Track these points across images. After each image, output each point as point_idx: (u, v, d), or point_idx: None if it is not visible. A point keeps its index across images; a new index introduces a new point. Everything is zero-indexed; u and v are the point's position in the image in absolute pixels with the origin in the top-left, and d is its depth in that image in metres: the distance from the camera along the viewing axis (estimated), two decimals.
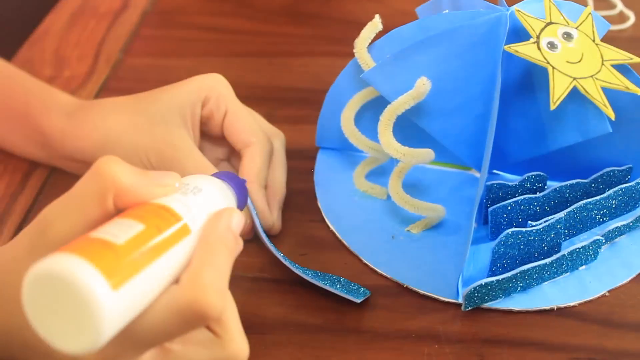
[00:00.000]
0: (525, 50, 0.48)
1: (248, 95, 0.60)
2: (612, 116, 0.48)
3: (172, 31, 0.81)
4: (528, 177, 0.56)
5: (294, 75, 0.73)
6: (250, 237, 0.55)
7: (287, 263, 0.51)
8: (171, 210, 0.37)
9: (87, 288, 0.31)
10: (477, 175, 0.61)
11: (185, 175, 0.52)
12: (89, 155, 0.56)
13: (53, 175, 0.62)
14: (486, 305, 0.51)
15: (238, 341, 0.39)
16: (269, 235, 0.53)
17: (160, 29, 0.81)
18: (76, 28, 0.81)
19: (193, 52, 0.77)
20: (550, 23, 0.50)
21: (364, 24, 0.78)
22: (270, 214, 0.55)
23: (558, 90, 0.47)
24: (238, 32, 0.80)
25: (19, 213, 0.59)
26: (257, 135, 0.56)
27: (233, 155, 0.60)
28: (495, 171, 0.60)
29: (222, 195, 0.42)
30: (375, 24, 0.55)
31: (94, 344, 0.32)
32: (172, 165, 0.53)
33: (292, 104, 0.69)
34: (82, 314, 0.31)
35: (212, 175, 0.44)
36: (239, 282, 0.52)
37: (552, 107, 0.47)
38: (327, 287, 0.50)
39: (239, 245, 0.39)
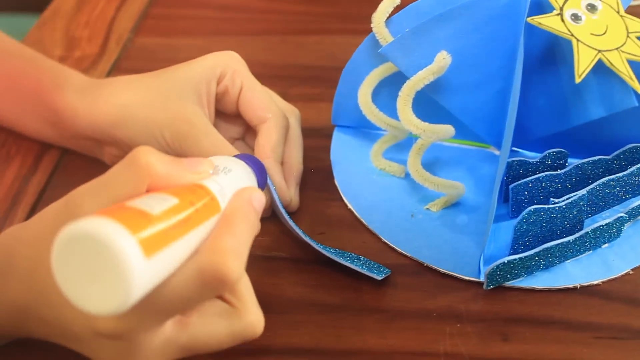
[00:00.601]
0: (548, 22, 0.47)
1: (262, 74, 0.59)
2: (639, 89, 0.47)
3: (182, 10, 0.80)
4: (549, 153, 0.55)
5: (308, 53, 0.72)
6: (269, 215, 0.54)
7: (307, 239, 0.50)
8: (205, 187, 0.38)
9: (122, 252, 0.31)
10: (496, 152, 0.60)
11: (202, 151, 0.51)
12: (102, 132, 0.55)
13: (65, 157, 0.61)
14: (508, 283, 0.50)
15: (254, 311, 0.39)
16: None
17: (171, 8, 0.80)
18: (86, 8, 0.80)
19: (204, 31, 0.76)
20: None
21: (377, 1, 0.77)
22: (287, 190, 0.54)
23: (583, 63, 0.46)
24: (250, 10, 0.79)
25: (32, 194, 0.58)
26: (272, 110, 0.55)
27: (248, 133, 0.59)
28: (514, 148, 0.59)
29: (247, 176, 0.43)
30: None
31: (121, 306, 0.32)
32: (187, 142, 0.52)
33: (307, 82, 0.68)
34: (113, 277, 0.31)
35: (234, 157, 0.45)
36: (256, 261, 0.51)
37: (577, 80, 0.46)
38: (348, 264, 0.49)
39: (259, 223, 0.40)
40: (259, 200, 0.40)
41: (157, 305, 0.36)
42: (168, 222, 0.34)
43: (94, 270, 0.32)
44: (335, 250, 0.51)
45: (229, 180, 0.40)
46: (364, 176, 0.58)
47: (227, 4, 0.80)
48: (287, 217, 0.50)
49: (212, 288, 0.36)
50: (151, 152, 0.37)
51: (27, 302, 0.39)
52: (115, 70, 0.71)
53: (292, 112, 0.58)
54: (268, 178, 0.52)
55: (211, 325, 0.38)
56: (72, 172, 0.60)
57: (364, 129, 0.61)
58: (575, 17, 0.48)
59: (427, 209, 0.55)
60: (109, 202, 0.36)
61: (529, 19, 0.47)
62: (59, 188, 0.58)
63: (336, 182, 0.57)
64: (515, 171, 0.54)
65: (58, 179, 0.60)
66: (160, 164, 0.37)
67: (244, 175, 0.42)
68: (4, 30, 0.66)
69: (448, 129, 0.52)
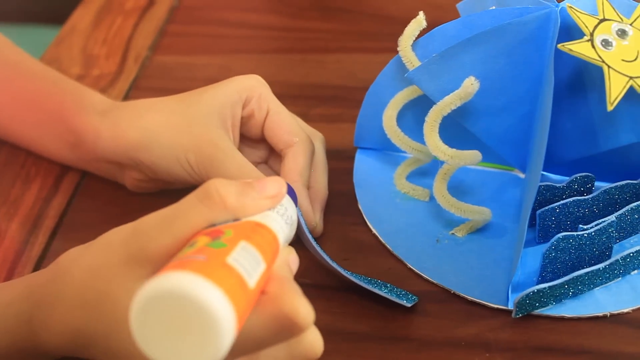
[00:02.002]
0: (579, 48, 0.47)
1: (282, 94, 0.58)
2: None
3: (200, 27, 0.80)
4: (575, 178, 0.54)
5: (328, 72, 0.72)
6: (293, 239, 0.54)
7: (333, 265, 0.49)
8: (277, 240, 0.40)
9: (223, 325, 0.32)
10: (521, 175, 0.59)
11: (227, 175, 0.51)
12: (124, 155, 0.55)
13: (86, 179, 0.61)
14: (537, 312, 0.49)
15: (311, 331, 0.39)
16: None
17: (188, 25, 0.80)
18: (103, 25, 0.80)
19: (223, 49, 0.76)
20: (604, 20, 0.48)
21: (396, 19, 0.77)
22: (313, 215, 0.54)
23: (615, 91, 0.45)
24: (268, 28, 0.79)
25: (53, 217, 0.58)
26: (299, 135, 0.55)
27: (271, 157, 0.59)
28: None
29: (292, 209, 0.44)
30: (419, 21, 0.53)
31: None
32: (212, 165, 0.52)
33: (327, 103, 0.68)
34: (206, 341, 0.32)
35: None
36: None
37: (610, 108, 0.45)
38: (376, 290, 0.48)
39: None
40: (295, 262, 0.41)
41: (233, 352, 0.36)
42: (258, 291, 0.36)
43: (182, 329, 0.32)
44: (362, 276, 0.51)
45: (286, 220, 0.42)
46: (387, 200, 0.57)
47: (245, 21, 0.80)
48: (313, 242, 0.50)
49: (289, 333, 0.37)
50: (224, 184, 0.38)
51: (93, 332, 0.39)
52: (134, 89, 0.70)
53: (317, 137, 0.58)
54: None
55: (274, 352, 0.38)
56: (93, 195, 0.60)
57: (387, 152, 0.60)
58: (606, 43, 0.47)
59: (453, 234, 0.54)
60: (181, 235, 0.37)
61: (559, 46, 0.47)
62: (80, 212, 0.58)
63: (360, 206, 0.57)
64: (542, 196, 0.54)
65: (79, 202, 0.59)
66: (233, 196, 0.38)
67: (290, 208, 0.43)
68: (20, 42, 0.66)
69: (476, 155, 0.51)
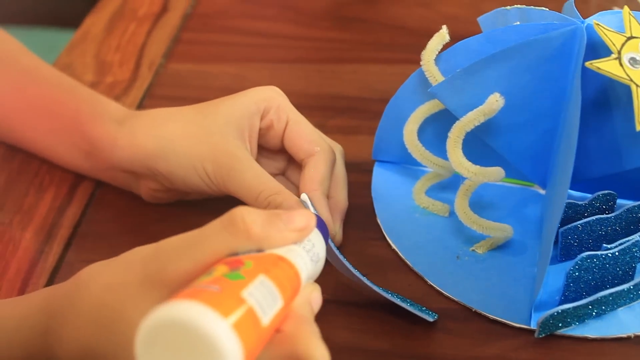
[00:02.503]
0: (607, 67, 0.46)
1: (298, 104, 0.58)
2: None
3: (214, 35, 0.79)
4: (598, 196, 0.53)
5: (344, 83, 0.71)
6: None
7: (357, 273, 0.48)
8: (299, 277, 0.38)
9: (228, 359, 0.31)
10: (540, 191, 0.59)
11: (245, 185, 0.50)
12: (140, 164, 0.54)
13: (100, 189, 0.60)
14: (559, 332, 0.49)
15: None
16: None
17: (202, 33, 0.79)
18: (116, 31, 0.79)
19: (237, 58, 0.75)
20: (631, 37, 0.48)
21: (411, 30, 0.77)
22: (332, 224, 0.53)
23: None
24: (283, 36, 0.78)
25: (67, 227, 0.57)
26: (320, 144, 0.54)
27: (289, 169, 0.58)
28: None
29: (320, 243, 0.42)
30: (443, 36, 0.53)
31: None
32: (230, 175, 0.51)
33: (344, 114, 0.67)
34: None
35: None
36: None
37: (638, 127, 0.44)
38: (399, 302, 0.48)
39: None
40: (318, 301, 0.40)
41: None
42: (272, 329, 0.35)
43: (187, 359, 0.31)
44: (385, 289, 0.50)
45: (311, 256, 0.40)
46: (407, 214, 0.57)
47: (259, 29, 0.79)
48: (335, 250, 0.49)
49: None
50: (250, 212, 0.37)
51: (100, 349, 0.38)
52: (148, 97, 0.70)
53: (336, 148, 0.57)
54: (314, 211, 0.51)
55: None
56: (108, 205, 0.59)
57: (406, 165, 0.60)
58: (634, 62, 0.47)
59: (473, 250, 0.54)
60: (201, 261, 0.36)
61: (587, 64, 0.46)
62: (95, 223, 0.57)
63: (379, 221, 0.56)
64: (564, 213, 0.53)
65: (93, 212, 0.58)
66: (259, 225, 0.37)
67: (318, 244, 0.41)
68: (33, 45, 0.65)
69: (499, 172, 0.51)
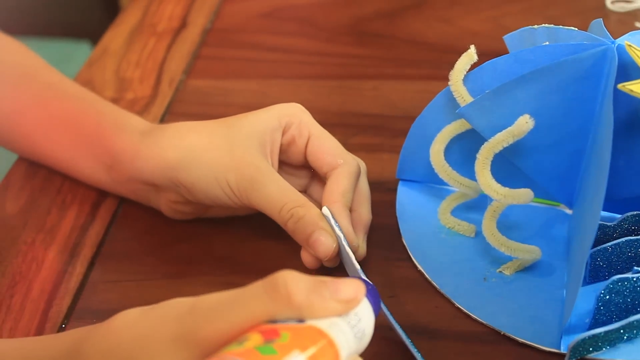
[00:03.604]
0: (639, 89, 0.46)
1: (320, 121, 0.58)
2: None
3: (234, 51, 0.79)
4: (627, 217, 0.53)
5: (366, 100, 0.71)
6: (336, 265, 0.53)
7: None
8: (338, 357, 0.35)
9: None
10: (567, 211, 0.58)
11: (269, 197, 0.50)
12: (162, 174, 0.54)
13: (122, 206, 0.60)
14: (590, 356, 0.48)
15: None
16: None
17: (222, 48, 0.79)
18: (135, 46, 0.79)
19: (258, 74, 0.75)
20: None
21: (433, 45, 0.76)
22: (355, 236, 0.52)
23: None
24: (303, 52, 0.78)
25: (90, 247, 0.57)
26: (344, 157, 0.54)
27: (311, 185, 0.58)
28: None
29: (369, 319, 0.38)
30: (471, 55, 0.52)
31: None
32: (253, 187, 0.51)
33: (366, 131, 0.67)
34: None
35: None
36: None
37: None
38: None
39: None
40: None
41: None
42: None
43: None
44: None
45: (354, 325, 0.37)
46: (432, 235, 0.56)
47: (279, 45, 0.79)
48: (357, 266, 0.48)
49: None
50: (294, 277, 0.35)
51: None
52: (169, 114, 0.70)
53: (359, 164, 0.57)
54: (335, 223, 0.50)
55: None
56: (131, 223, 0.59)
57: (430, 184, 0.59)
58: None
59: (500, 272, 0.53)
60: (237, 324, 0.35)
61: (619, 86, 0.46)
62: (118, 242, 0.57)
63: (404, 241, 0.56)
64: None
65: (116, 230, 0.58)
66: (302, 292, 0.35)
67: (365, 319, 0.38)
68: (48, 56, 0.65)
69: (528, 194, 0.50)
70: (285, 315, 0.35)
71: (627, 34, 0.50)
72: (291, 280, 0.35)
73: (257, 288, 0.35)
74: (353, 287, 0.37)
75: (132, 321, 0.38)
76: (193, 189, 0.53)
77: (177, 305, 0.37)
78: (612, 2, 0.83)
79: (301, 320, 0.35)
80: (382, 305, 0.45)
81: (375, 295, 0.40)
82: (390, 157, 0.61)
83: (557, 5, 0.84)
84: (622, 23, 0.80)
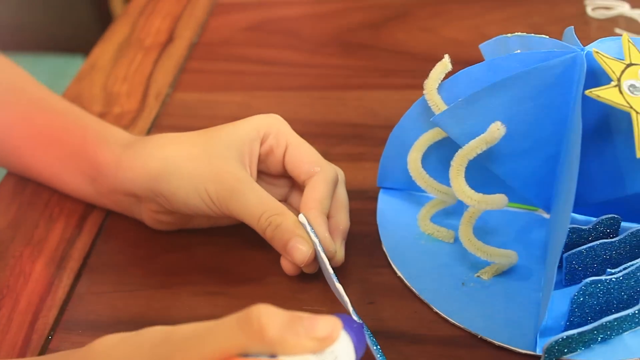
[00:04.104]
0: (606, 94, 0.47)
1: (303, 132, 0.59)
2: None
3: (219, 64, 0.80)
4: (602, 220, 0.54)
5: (349, 109, 0.72)
6: (314, 271, 0.54)
7: (350, 309, 0.48)
8: None
9: None
10: (545, 215, 0.59)
11: (248, 206, 0.51)
12: (142, 185, 0.55)
13: (108, 219, 0.61)
14: (565, 357, 0.49)
15: None
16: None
17: (208, 61, 0.81)
18: (123, 61, 0.80)
19: (243, 86, 0.76)
20: (631, 64, 0.48)
21: (415, 55, 0.77)
22: (331, 242, 0.53)
23: None
24: (287, 64, 0.79)
25: (77, 259, 0.58)
26: (321, 164, 0.55)
27: (291, 194, 0.59)
28: None
29: (349, 357, 0.38)
30: (445, 64, 0.53)
31: None
32: (232, 196, 0.52)
33: (349, 141, 0.68)
34: None
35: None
36: None
37: (639, 154, 0.45)
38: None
39: None
40: None
41: None
42: None
43: None
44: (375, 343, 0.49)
45: None
46: (412, 241, 0.57)
47: (264, 58, 0.80)
48: (333, 277, 0.49)
49: None
50: (269, 312, 0.35)
51: None
52: (155, 127, 0.71)
53: (337, 172, 0.58)
54: (312, 230, 0.51)
55: None
56: (117, 236, 0.60)
57: (411, 192, 0.60)
58: (634, 88, 0.47)
59: (478, 276, 0.54)
60: (212, 355, 0.35)
61: (587, 92, 0.47)
62: (104, 254, 0.58)
63: (384, 248, 0.57)
64: (568, 238, 0.54)
65: (102, 243, 0.59)
66: (275, 327, 0.35)
67: (342, 357, 0.37)
68: (44, 71, 0.66)
69: (502, 199, 0.51)
70: (257, 350, 0.35)
71: (596, 41, 0.51)
72: (265, 315, 0.35)
73: (231, 321, 0.35)
74: (329, 324, 0.36)
75: (110, 347, 0.39)
76: (173, 199, 0.54)
77: (154, 334, 0.37)
78: (593, 9, 0.84)
79: (273, 356, 0.35)
80: (370, 344, 0.46)
81: (360, 333, 0.40)
82: (372, 166, 0.62)
83: (539, 13, 0.85)
84: (603, 30, 0.81)
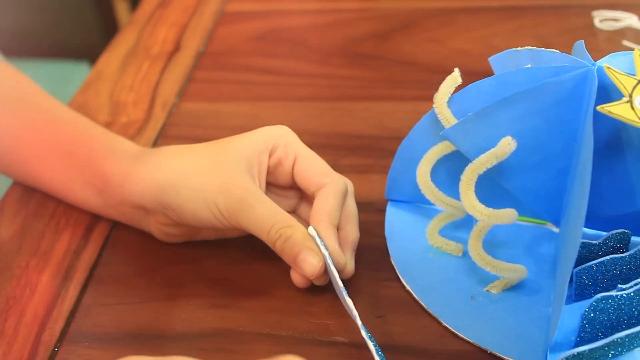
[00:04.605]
0: (618, 110, 0.46)
1: (311, 143, 0.59)
2: None
3: (227, 74, 0.80)
4: (612, 235, 0.53)
5: (357, 121, 0.72)
6: (324, 283, 0.54)
7: (358, 322, 0.48)
8: None
9: None
10: (554, 229, 0.59)
11: (258, 218, 0.51)
12: (151, 197, 0.55)
13: (115, 230, 0.61)
14: None
15: None
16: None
17: (215, 71, 0.80)
18: (130, 70, 0.80)
19: (250, 96, 0.76)
20: None
21: (423, 66, 0.77)
22: (341, 254, 0.53)
23: None
24: (295, 74, 0.79)
25: (84, 270, 0.57)
26: (330, 175, 0.55)
27: (300, 206, 0.59)
28: None
29: None
30: (455, 78, 0.53)
31: None
32: (242, 208, 0.52)
33: (357, 153, 0.67)
34: None
35: None
36: (313, 347, 0.50)
37: None
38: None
39: None
40: None
41: None
42: None
43: None
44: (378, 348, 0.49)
45: None
46: (420, 255, 0.57)
47: (271, 68, 0.80)
48: (343, 290, 0.49)
49: None
50: None
51: None
52: (162, 137, 0.70)
53: (346, 183, 0.57)
54: (321, 242, 0.51)
55: None
56: (124, 246, 0.59)
57: (419, 204, 0.60)
58: None
59: (487, 290, 0.54)
60: None
61: (598, 108, 0.46)
62: (111, 265, 0.58)
63: (392, 261, 0.56)
64: (577, 253, 0.53)
65: (109, 254, 0.59)
66: None
67: None
68: (49, 77, 0.66)
69: (512, 214, 0.51)
70: None
71: (607, 56, 0.50)
72: None
73: None
74: None
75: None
76: (181, 211, 0.54)
77: None
78: (601, 21, 0.84)
79: None
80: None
81: None
82: (380, 178, 0.61)
83: (547, 24, 0.85)
84: (610, 41, 0.81)
